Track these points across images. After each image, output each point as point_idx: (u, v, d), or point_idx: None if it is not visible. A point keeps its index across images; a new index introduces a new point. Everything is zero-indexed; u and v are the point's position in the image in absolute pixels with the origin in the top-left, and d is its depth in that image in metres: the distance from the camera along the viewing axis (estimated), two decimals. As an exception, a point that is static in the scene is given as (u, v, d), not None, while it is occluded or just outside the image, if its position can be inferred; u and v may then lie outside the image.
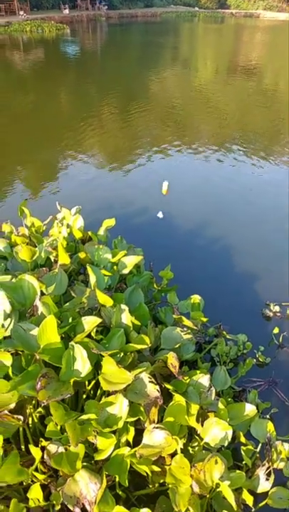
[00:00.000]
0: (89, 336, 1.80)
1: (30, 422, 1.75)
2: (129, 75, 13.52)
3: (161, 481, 1.66)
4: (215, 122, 8.51)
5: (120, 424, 1.53)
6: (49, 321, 1.67)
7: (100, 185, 5.29)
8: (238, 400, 2.23)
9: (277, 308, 3.04)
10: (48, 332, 1.66)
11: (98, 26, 31.73)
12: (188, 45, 24.97)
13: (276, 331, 2.77)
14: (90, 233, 2.92)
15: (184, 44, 24.99)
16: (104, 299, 1.93)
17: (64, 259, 2.20)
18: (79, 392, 1.88)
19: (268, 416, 2.20)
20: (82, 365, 1.62)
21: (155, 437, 1.52)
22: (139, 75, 13.51)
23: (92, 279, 2.10)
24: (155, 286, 2.49)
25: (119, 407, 1.55)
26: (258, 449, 1.84)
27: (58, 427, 1.53)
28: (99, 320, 1.75)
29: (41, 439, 1.65)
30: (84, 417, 1.49)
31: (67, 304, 1.96)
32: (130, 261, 2.34)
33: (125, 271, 2.33)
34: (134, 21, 37.59)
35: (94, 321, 1.76)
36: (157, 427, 1.54)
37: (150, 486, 1.71)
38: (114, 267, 2.39)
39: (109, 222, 2.99)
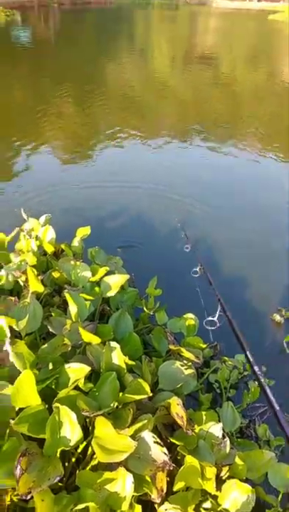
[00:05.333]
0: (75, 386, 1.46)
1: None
2: (85, 64, 12.85)
3: None
4: (175, 112, 8.31)
5: (125, 507, 1.21)
6: (25, 378, 1.31)
7: (64, 185, 4.85)
8: (246, 434, 1.97)
9: None
10: (24, 391, 1.30)
11: (50, 13, 30.33)
12: (144, 32, 24.47)
13: (288, 339, 2.57)
14: (62, 246, 2.55)
15: (139, 31, 24.45)
16: (89, 337, 1.58)
17: (36, 286, 1.83)
18: (65, 454, 1.54)
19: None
20: (72, 430, 1.28)
21: (171, 522, 1.22)
22: (95, 65, 12.89)
23: (73, 309, 1.75)
24: (145, 309, 2.16)
25: (122, 484, 1.23)
26: (278, 500, 1.59)
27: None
28: (88, 369, 1.41)
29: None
30: (80, 506, 1.15)
31: (46, 345, 1.59)
32: (115, 282, 2.00)
33: (110, 293, 1.99)
34: (88, 8, 36.45)
35: (81, 369, 1.42)
36: (172, 508, 1.23)
37: None
38: (96, 288, 2.04)
39: (84, 231, 2.63)
